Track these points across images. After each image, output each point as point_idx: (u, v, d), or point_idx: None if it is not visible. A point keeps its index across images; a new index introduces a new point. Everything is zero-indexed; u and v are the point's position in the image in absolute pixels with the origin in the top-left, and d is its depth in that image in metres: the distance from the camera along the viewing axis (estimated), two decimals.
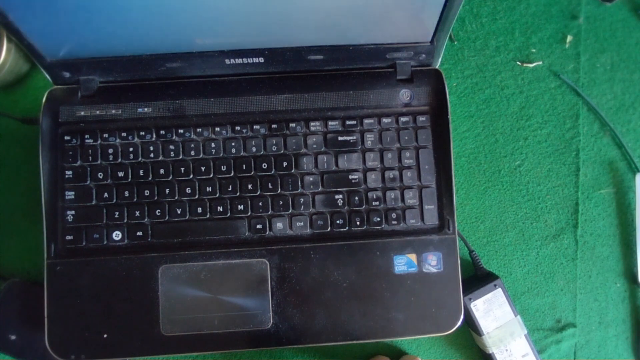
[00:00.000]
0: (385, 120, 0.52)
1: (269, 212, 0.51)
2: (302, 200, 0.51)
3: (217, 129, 0.51)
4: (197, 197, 0.51)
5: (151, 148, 0.51)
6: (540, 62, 0.60)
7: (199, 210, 0.50)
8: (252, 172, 0.51)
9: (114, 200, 0.50)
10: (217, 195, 0.51)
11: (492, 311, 0.52)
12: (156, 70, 0.50)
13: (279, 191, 0.51)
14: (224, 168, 0.51)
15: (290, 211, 0.51)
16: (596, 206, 0.58)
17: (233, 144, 0.51)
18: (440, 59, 0.52)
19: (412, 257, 0.50)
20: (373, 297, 0.49)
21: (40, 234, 0.49)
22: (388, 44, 0.50)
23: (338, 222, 0.51)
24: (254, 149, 0.51)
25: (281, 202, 0.51)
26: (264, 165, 0.51)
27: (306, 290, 0.49)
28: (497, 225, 0.58)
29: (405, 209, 0.51)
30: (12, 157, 0.57)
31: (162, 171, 0.51)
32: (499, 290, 0.53)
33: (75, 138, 0.51)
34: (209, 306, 0.49)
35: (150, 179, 0.51)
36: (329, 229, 0.51)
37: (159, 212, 0.50)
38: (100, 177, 0.51)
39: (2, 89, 0.57)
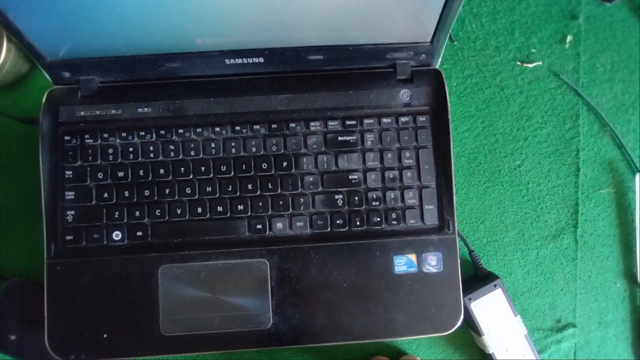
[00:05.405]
0: (385, 120, 0.52)
1: (269, 212, 0.51)
2: (302, 200, 0.51)
3: (217, 129, 0.51)
4: (197, 197, 0.51)
5: (151, 148, 0.51)
6: (540, 62, 0.60)
7: (199, 210, 0.50)
8: (252, 172, 0.51)
9: (114, 200, 0.50)
10: (217, 195, 0.51)
11: (492, 311, 0.52)
12: (156, 70, 0.50)
13: (279, 191, 0.51)
14: (224, 168, 0.51)
15: (290, 211, 0.51)
16: (596, 206, 0.58)
17: (233, 144, 0.51)
18: (440, 59, 0.52)
19: (412, 257, 0.50)
20: (373, 297, 0.49)
21: (40, 234, 0.49)
22: (388, 44, 0.50)
23: (338, 222, 0.51)
24: (254, 149, 0.51)
25: (281, 202, 0.51)
26: (264, 165, 0.51)
27: (306, 290, 0.49)
28: (497, 225, 0.58)
29: (405, 209, 0.51)
30: (12, 157, 0.57)
31: (162, 171, 0.51)
32: (499, 290, 0.53)
33: (75, 138, 0.51)
34: (209, 306, 0.49)
35: (150, 179, 0.51)
36: (329, 229, 0.51)
37: (159, 212, 0.50)
38: (100, 177, 0.51)
39: (2, 89, 0.57)
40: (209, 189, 0.51)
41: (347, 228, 0.51)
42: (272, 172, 0.51)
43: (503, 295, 0.53)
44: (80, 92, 0.51)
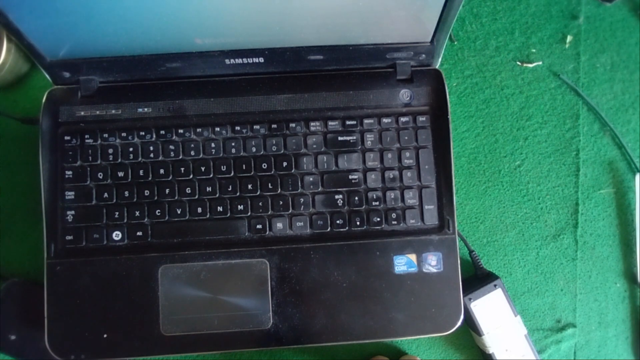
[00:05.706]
0: (385, 120, 0.52)
1: (269, 212, 0.51)
2: (302, 200, 0.51)
3: (217, 129, 0.51)
4: (197, 197, 0.51)
5: (151, 148, 0.51)
6: (540, 62, 0.60)
7: (199, 210, 0.50)
8: (252, 172, 0.51)
9: (114, 200, 0.50)
10: (217, 195, 0.51)
11: (492, 311, 0.52)
12: (156, 70, 0.50)
13: (279, 191, 0.51)
14: (224, 168, 0.51)
15: (290, 211, 0.51)
16: (596, 206, 0.58)
17: (233, 144, 0.51)
18: (440, 59, 0.52)
19: (412, 257, 0.50)
20: (373, 297, 0.49)
21: (40, 234, 0.49)
22: (388, 44, 0.50)
23: (338, 222, 0.51)
24: (254, 149, 0.51)
25: (281, 202, 0.51)
26: (264, 165, 0.51)
27: (306, 290, 0.49)
28: (497, 225, 0.58)
29: (405, 209, 0.51)
30: (12, 157, 0.57)
31: (162, 171, 0.51)
32: (499, 290, 0.53)
33: (75, 138, 0.51)
34: (209, 306, 0.49)
35: (150, 179, 0.51)
36: (328, 229, 0.51)
37: (159, 212, 0.50)
38: (100, 177, 0.51)
39: (2, 89, 0.57)
40: (209, 189, 0.51)
41: (347, 228, 0.51)
42: (272, 172, 0.51)
43: (503, 295, 0.53)
44: (80, 92, 0.51)
